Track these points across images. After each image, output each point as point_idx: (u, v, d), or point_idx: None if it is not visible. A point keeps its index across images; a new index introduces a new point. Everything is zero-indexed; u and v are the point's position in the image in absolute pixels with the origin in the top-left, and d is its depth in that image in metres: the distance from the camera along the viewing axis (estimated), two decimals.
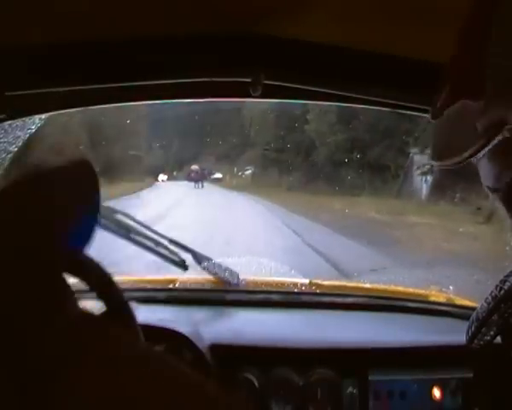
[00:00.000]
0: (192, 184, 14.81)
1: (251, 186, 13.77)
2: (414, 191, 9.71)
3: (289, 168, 12.62)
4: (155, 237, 1.25)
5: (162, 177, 15.42)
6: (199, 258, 1.32)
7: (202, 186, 15.00)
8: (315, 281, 1.38)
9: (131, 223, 1.24)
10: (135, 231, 1.23)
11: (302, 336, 1.14)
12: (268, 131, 13.57)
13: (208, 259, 1.33)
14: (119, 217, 1.22)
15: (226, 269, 1.33)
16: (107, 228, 1.16)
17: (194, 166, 15.37)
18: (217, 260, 1.35)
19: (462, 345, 0.86)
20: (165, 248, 1.25)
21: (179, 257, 1.27)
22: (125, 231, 1.21)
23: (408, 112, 0.85)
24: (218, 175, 15.83)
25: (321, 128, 11.31)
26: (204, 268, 1.32)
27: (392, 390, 1.04)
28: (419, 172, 9.14)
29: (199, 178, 14.89)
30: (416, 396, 1.04)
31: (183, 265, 1.27)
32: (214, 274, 1.33)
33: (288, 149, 12.70)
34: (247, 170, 14.91)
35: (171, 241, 1.27)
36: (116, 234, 1.18)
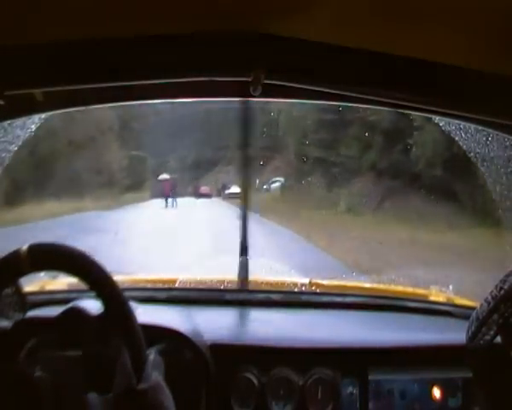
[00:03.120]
0: (164, 203, 10.21)
1: (277, 203, 9.12)
2: None
3: (346, 180, 7.64)
4: None
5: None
6: None
7: (175, 204, 10.41)
8: (315, 281, 1.38)
9: None
10: None
11: (302, 336, 1.14)
12: (304, 131, 8.58)
13: None
14: None
15: None
16: None
17: (164, 176, 10.91)
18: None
19: (462, 345, 0.87)
20: None
21: None
22: None
23: (409, 111, 0.85)
24: (235, 189, 10.53)
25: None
26: None
27: (392, 390, 1.04)
28: None
29: (169, 193, 10.47)
30: (415, 396, 1.04)
31: None
32: None
33: (339, 154, 7.46)
34: (275, 182, 10.88)
35: None
36: None
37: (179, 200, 10.55)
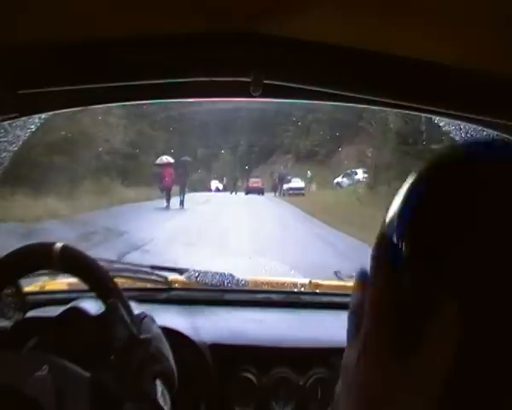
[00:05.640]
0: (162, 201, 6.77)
1: (356, 208, 5.62)
2: None
3: None
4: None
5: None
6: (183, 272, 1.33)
7: (182, 205, 7.04)
8: (315, 281, 1.38)
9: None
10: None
11: (302, 336, 1.13)
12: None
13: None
14: None
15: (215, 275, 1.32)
16: None
17: (164, 159, 7.44)
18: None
19: None
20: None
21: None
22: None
23: (409, 112, 0.85)
24: (297, 183, 8.47)
25: None
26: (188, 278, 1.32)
27: None
28: None
29: (170, 185, 6.77)
30: None
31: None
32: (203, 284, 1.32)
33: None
34: (351, 174, 7.70)
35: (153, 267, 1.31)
36: None
37: (219, 194, 7.25)
